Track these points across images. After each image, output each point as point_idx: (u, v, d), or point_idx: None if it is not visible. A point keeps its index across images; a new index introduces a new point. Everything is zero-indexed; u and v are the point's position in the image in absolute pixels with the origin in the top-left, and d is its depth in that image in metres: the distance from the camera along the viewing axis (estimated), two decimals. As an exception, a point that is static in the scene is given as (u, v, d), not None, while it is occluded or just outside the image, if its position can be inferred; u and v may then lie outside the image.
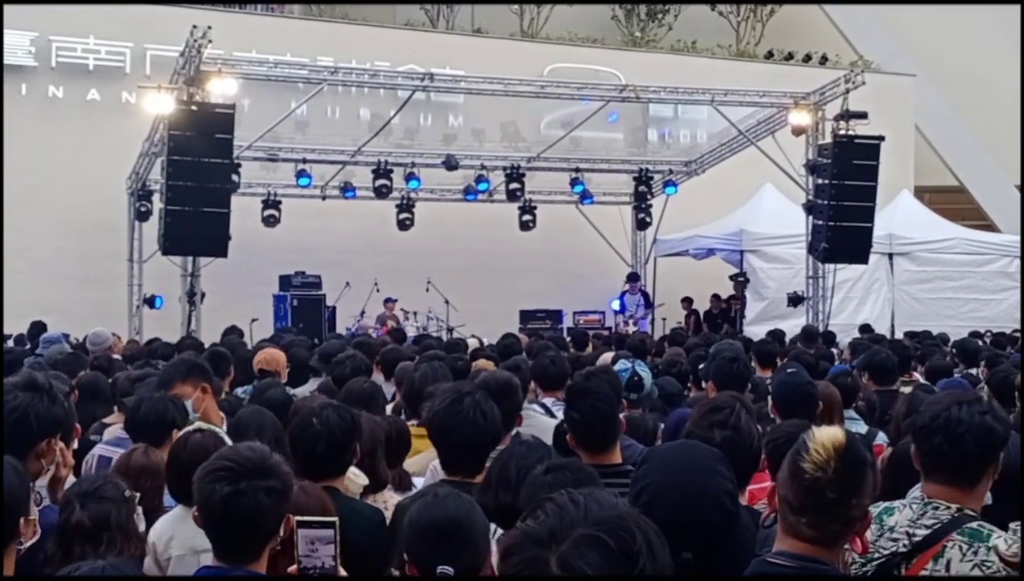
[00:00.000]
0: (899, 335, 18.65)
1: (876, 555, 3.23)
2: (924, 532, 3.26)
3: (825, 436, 2.83)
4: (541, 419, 6.59)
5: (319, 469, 4.18)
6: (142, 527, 3.94)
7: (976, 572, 3.14)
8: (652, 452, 2.91)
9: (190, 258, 17.90)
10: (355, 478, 4.44)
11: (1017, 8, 27.85)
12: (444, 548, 3.02)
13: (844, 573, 3.10)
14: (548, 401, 7.04)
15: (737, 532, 2.64)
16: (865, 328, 17.63)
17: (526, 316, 22.04)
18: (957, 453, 3.33)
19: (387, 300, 20.74)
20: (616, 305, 22.75)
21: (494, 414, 4.33)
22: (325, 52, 22.48)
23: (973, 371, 10.63)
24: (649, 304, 22.77)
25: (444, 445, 4.30)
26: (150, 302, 19.32)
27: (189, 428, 4.59)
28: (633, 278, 23.10)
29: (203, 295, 18.24)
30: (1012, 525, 3.59)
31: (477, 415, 4.25)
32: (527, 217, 23.13)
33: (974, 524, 3.24)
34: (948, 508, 3.28)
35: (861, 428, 6.81)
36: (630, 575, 1.77)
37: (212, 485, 3.16)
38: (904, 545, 3.26)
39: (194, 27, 16.09)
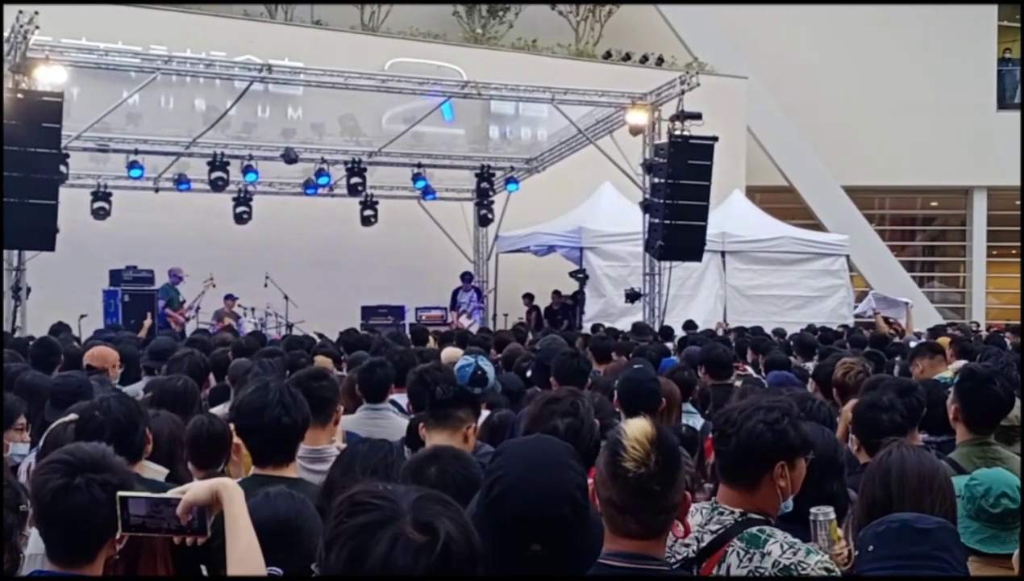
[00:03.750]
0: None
1: (672, 560, 3.20)
2: (710, 537, 3.29)
3: (637, 431, 2.87)
4: (395, 420, 6.55)
5: None
6: (27, 550, 3.74)
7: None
8: (505, 446, 2.91)
9: (15, 251, 17.20)
10: (153, 467, 4.43)
11: (846, 11, 28.96)
12: (274, 549, 2.97)
13: (677, 571, 3.14)
14: (401, 399, 6.96)
15: (587, 526, 2.66)
16: (689, 324, 18.04)
17: (368, 312, 21.90)
18: (727, 455, 3.40)
19: (227, 297, 20.35)
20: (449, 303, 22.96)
21: (301, 398, 4.39)
22: (159, 40, 21.74)
23: (807, 365, 10.96)
24: (482, 297, 23.05)
25: (254, 431, 4.29)
26: (-29, 297, 18.49)
27: (63, 420, 4.45)
28: (466, 278, 23.27)
29: (29, 290, 17.54)
30: (812, 510, 3.57)
31: (285, 396, 4.29)
32: (369, 212, 22.96)
33: (754, 528, 3.26)
34: (732, 512, 3.31)
35: (697, 421, 6.97)
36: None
37: (46, 478, 3.04)
38: (693, 550, 3.28)
39: (20, 12, 15.48)
